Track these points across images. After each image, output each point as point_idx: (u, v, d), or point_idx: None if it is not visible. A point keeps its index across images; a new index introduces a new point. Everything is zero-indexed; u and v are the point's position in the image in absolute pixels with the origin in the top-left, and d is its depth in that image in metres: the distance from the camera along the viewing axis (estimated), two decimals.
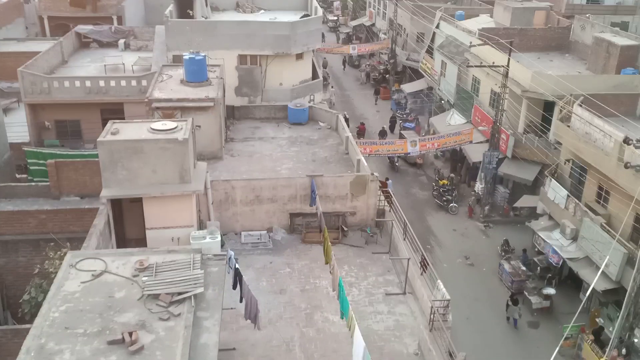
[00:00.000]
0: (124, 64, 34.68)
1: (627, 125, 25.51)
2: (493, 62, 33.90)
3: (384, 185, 24.12)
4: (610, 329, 23.58)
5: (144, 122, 19.42)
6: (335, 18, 78.34)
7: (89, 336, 11.42)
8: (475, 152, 35.69)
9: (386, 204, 22.62)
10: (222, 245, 18.85)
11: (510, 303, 26.22)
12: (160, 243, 17.34)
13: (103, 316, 11.97)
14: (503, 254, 30.68)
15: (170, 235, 18.15)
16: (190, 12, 35.03)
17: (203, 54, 26.01)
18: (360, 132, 44.43)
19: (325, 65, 57.13)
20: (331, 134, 28.44)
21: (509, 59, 32.30)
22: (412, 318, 17.67)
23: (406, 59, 54.36)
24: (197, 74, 25.47)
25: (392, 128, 45.86)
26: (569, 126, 27.97)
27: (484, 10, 49.02)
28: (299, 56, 34.54)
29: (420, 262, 18.72)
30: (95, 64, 35.72)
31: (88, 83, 30.66)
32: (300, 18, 35.45)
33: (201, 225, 19.80)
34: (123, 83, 30.74)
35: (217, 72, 27.05)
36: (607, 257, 21.94)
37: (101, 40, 39.39)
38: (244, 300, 15.25)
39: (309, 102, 33.44)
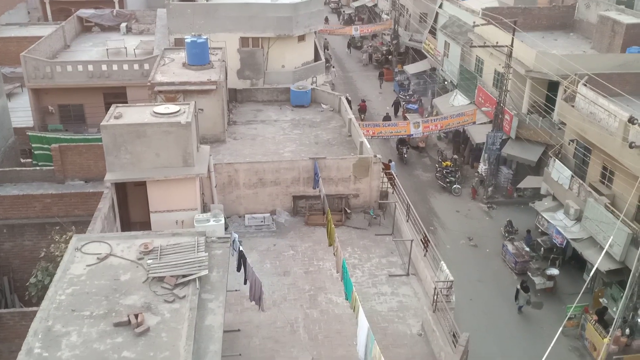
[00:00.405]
0: (126, 47, 34.60)
1: (632, 105, 25.36)
2: (497, 42, 33.67)
3: (386, 167, 24.11)
4: (614, 309, 23.65)
5: (147, 105, 19.43)
6: None
7: (95, 318, 11.53)
8: (479, 133, 35.58)
9: (389, 186, 22.63)
10: (226, 228, 18.99)
11: (520, 289, 25.75)
12: (165, 226, 17.44)
13: (109, 299, 12.07)
14: (506, 235, 30.70)
15: (174, 219, 18.24)
16: None
17: (205, 37, 25.92)
18: (362, 110, 44.53)
19: (326, 47, 56.81)
20: (334, 116, 28.39)
21: (512, 39, 32.08)
22: (416, 299, 17.77)
23: (409, 40, 53.98)
24: (199, 57, 25.40)
25: (395, 111, 45.75)
26: (573, 106, 27.82)
27: None
28: (301, 38, 34.38)
29: (421, 240, 18.79)
30: (97, 48, 35.66)
31: (90, 67, 30.63)
32: None
33: (205, 209, 19.88)
34: (125, 67, 30.70)
35: (219, 55, 26.97)
36: (611, 237, 21.94)
37: (103, 24, 39.28)
38: (248, 282, 15.34)
39: (312, 85, 33.34)
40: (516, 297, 26.13)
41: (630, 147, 22.27)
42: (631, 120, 23.51)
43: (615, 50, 32.90)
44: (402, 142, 39.13)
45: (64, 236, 19.89)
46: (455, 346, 14.64)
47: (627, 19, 33.51)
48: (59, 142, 25.79)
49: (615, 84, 26.78)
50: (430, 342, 15.96)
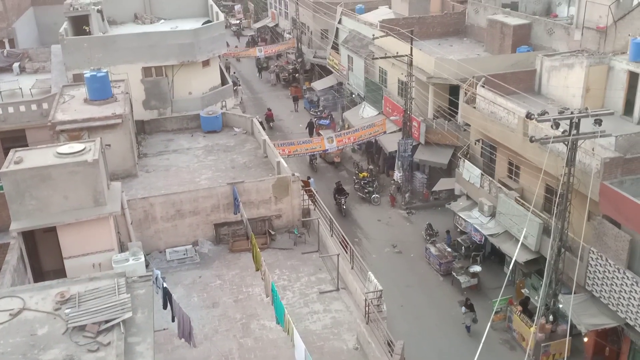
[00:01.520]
0: (21, 88, 32.96)
1: (527, 101, 26.70)
2: (397, 52, 34.66)
3: (306, 184, 24.16)
4: (536, 297, 24.65)
5: (50, 147, 18.51)
6: (238, 22, 77.77)
7: None
8: (390, 142, 36.41)
9: (310, 202, 22.66)
10: (147, 266, 18.29)
11: (465, 309, 25.43)
12: (81, 271, 16.53)
13: (27, 356, 11.28)
14: (428, 238, 31.44)
15: (90, 262, 17.40)
16: (87, 28, 33.71)
17: (105, 70, 25.14)
18: (269, 118, 44.71)
19: (228, 68, 56.55)
20: (248, 139, 28.20)
21: (411, 48, 33.13)
22: (348, 313, 17.79)
23: (313, 57, 54.71)
24: (100, 91, 24.60)
25: (310, 133, 45.69)
26: (474, 107, 29.00)
27: (382, 1, 49.99)
28: (206, 63, 34.01)
29: (340, 243, 18.93)
30: None
31: None
32: (203, 25, 34.88)
33: (122, 248, 19.09)
34: (22, 108, 29.15)
35: (121, 87, 26.21)
36: (525, 229, 22.89)
37: None
38: (175, 319, 14.84)
39: (222, 109, 33.03)
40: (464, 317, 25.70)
41: (531, 141, 23.34)
42: (528, 116, 24.62)
43: (506, 50, 34.66)
44: (339, 191, 35.26)
45: None
46: (391, 355, 14.72)
47: (513, 20, 35.40)
48: None
49: (510, 83, 28.17)
50: (367, 354, 15.98)
